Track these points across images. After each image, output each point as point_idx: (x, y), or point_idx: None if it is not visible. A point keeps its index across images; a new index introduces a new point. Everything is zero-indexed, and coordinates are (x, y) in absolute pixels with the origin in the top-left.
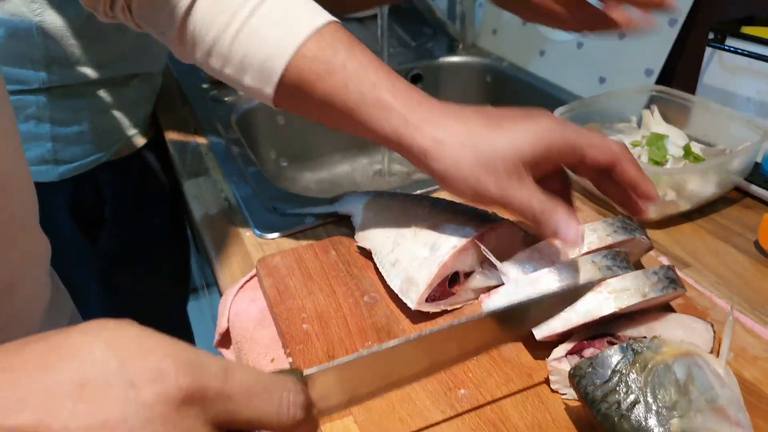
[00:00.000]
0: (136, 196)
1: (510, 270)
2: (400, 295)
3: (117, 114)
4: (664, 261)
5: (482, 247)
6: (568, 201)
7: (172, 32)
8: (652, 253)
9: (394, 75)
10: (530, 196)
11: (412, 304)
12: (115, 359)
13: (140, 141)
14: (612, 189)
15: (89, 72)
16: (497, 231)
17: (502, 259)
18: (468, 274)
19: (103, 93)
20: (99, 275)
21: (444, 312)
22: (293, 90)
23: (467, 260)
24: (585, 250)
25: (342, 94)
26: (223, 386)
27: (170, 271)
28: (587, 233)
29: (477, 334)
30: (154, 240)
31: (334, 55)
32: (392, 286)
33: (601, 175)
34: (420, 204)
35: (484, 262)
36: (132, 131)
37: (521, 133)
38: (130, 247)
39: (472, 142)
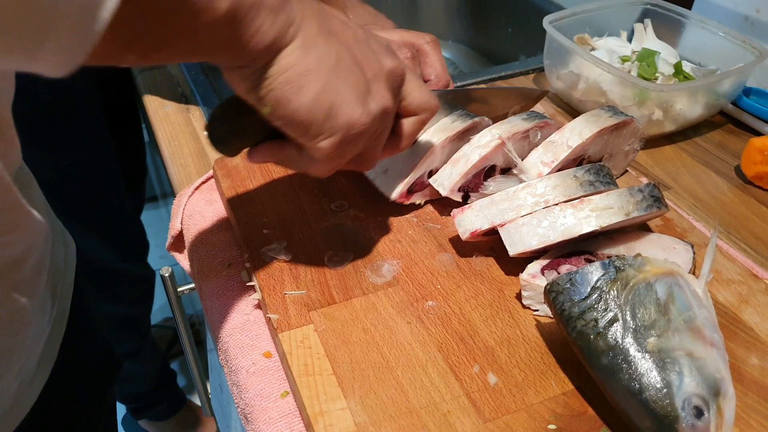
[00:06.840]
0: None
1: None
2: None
3: None
4: (645, 182)
5: (506, 147)
6: None
7: None
8: (632, 172)
9: None
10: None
11: (443, 192)
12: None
13: None
14: None
15: None
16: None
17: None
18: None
19: None
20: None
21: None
22: None
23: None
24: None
25: None
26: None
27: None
28: (588, 119)
29: None
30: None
31: None
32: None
33: None
34: None
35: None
36: None
37: None
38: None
39: None
